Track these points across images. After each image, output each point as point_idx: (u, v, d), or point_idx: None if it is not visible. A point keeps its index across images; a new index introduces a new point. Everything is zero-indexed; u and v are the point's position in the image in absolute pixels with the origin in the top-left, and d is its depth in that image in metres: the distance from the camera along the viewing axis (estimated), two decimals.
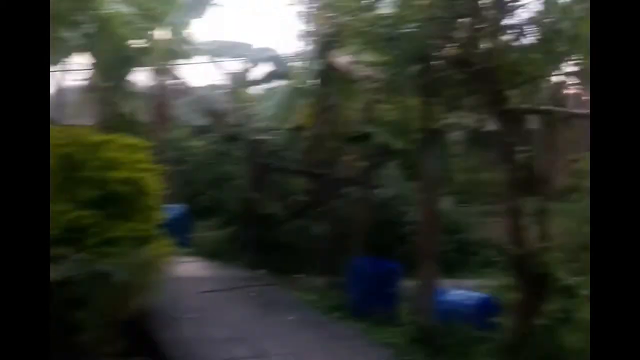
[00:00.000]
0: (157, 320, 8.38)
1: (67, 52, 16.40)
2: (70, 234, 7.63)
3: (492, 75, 7.39)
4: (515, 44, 7.75)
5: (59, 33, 13.57)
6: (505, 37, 7.90)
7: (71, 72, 18.48)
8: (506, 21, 7.74)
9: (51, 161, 8.42)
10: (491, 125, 8.26)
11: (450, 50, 8.11)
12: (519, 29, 7.60)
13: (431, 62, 8.09)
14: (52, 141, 8.79)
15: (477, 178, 18.47)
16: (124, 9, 14.50)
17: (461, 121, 8.82)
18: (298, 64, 15.45)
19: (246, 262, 12.25)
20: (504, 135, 7.48)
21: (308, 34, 15.19)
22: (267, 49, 16.40)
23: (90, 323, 6.79)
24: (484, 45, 7.82)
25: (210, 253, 13.10)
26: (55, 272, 7.55)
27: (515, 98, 7.91)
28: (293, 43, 15.89)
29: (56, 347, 7.38)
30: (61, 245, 7.53)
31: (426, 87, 8.23)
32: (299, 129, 14.62)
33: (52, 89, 17.80)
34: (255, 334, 8.16)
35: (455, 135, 16.75)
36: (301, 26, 15.10)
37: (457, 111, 8.69)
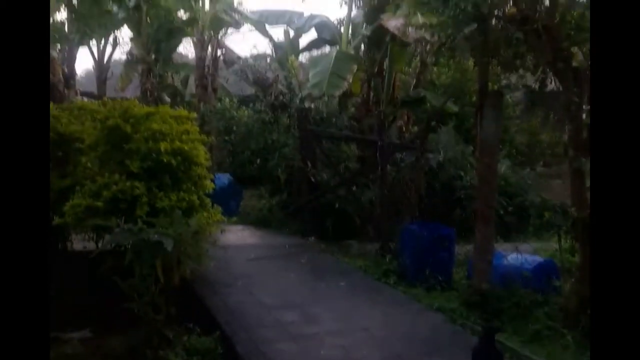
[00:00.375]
0: (207, 287, 8.41)
1: (114, 26, 16.56)
2: (120, 204, 7.70)
3: (554, 33, 6.96)
4: None
5: (106, 6, 13.68)
6: None
7: (118, 45, 18.74)
8: None
9: (99, 134, 8.57)
10: (552, 85, 7.84)
11: (509, 7, 7.70)
12: None
13: (488, 22, 7.70)
14: (99, 114, 8.92)
15: (537, 139, 17.88)
16: None
17: (521, 81, 8.39)
18: (347, 29, 15.15)
19: (295, 230, 12.19)
20: (567, 94, 7.06)
21: None
22: (315, 16, 16.12)
23: (141, 290, 6.82)
24: (545, 1, 7.39)
25: (259, 221, 13.07)
26: (106, 241, 7.75)
27: (578, 56, 7.48)
28: (342, 8, 15.51)
29: (109, 313, 7.54)
30: (111, 215, 7.62)
31: (483, 48, 7.84)
32: (348, 95, 14.35)
33: (100, 63, 18.11)
34: (306, 300, 8.06)
35: (514, 96, 16.24)
36: None
37: (517, 71, 8.28)
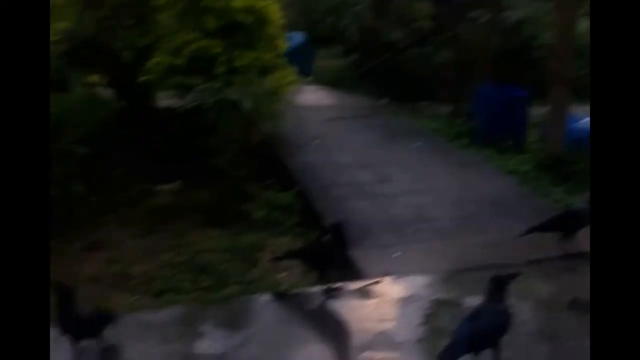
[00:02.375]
0: (283, 146, 8.65)
1: None
2: (197, 63, 7.81)
3: None
4: None
5: None
6: None
7: None
8: None
9: None
10: None
11: None
12: None
13: None
14: None
15: None
16: None
17: None
18: None
19: (368, 91, 12.18)
20: None
21: None
22: None
23: (223, 147, 7.09)
24: None
25: (333, 82, 13.03)
26: (189, 100, 8.00)
27: None
28: None
29: (195, 168, 7.97)
30: (189, 74, 7.78)
31: None
32: None
33: None
34: (379, 160, 8.21)
35: None
36: None
37: None
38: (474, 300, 4.47)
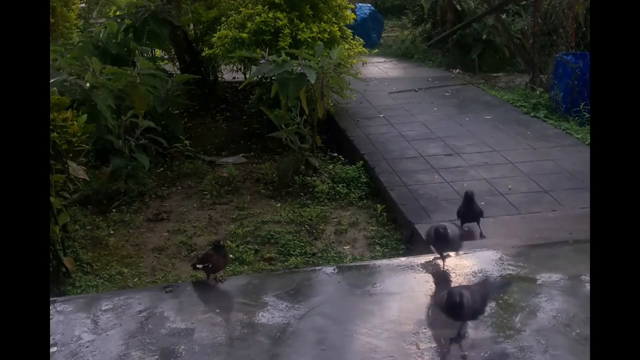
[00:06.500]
0: (349, 119, 8.52)
1: None
2: (263, 36, 7.75)
3: None
4: None
5: None
6: None
7: None
8: None
9: None
10: None
11: None
12: None
13: None
14: None
15: None
16: None
17: None
18: None
19: (439, 62, 11.87)
20: None
21: None
22: None
23: (287, 121, 7.01)
24: None
25: (401, 53, 12.82)
26: (253, 73, 7.95)
27: None
28: None
29: (259, 141, 7.94)
30: (255, 46, 7.73)
31: None
32: None
33: None
34: (449, 133, 7.94)
35: None
36: None
37: None
38: (546, 276, 4.25)
